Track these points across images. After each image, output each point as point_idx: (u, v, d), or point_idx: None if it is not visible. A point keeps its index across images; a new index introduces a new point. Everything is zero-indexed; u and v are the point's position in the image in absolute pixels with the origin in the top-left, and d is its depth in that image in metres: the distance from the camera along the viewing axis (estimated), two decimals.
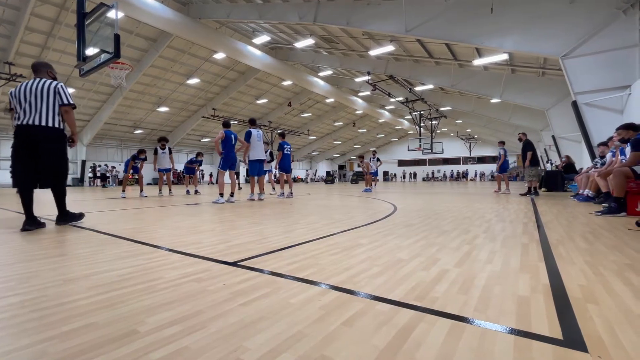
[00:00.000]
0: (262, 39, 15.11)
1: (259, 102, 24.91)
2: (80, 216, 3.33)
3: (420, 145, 24.08)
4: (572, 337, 0.93)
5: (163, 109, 22.32)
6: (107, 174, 21.71)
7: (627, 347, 0.88)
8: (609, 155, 5.78)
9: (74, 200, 7.01)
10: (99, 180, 21.74)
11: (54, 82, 3.03)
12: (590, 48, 7.59)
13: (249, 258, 1.87)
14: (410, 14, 9.91)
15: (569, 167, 10.11)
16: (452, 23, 9.44)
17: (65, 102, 3.00)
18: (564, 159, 10.78)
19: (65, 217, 3.18)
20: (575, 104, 8.00)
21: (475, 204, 5.69)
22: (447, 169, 42.22)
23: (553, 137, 13.45)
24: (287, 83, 22.12)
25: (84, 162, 23.36)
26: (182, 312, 1.11)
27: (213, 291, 1.32)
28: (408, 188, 14.25)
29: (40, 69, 3.14)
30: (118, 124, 23.49)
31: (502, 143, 9.26)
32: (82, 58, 4.60)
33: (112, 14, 4.48)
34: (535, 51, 8.65)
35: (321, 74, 21.77)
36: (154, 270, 1.64)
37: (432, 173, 43.05)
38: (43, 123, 2.88)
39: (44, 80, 3.01)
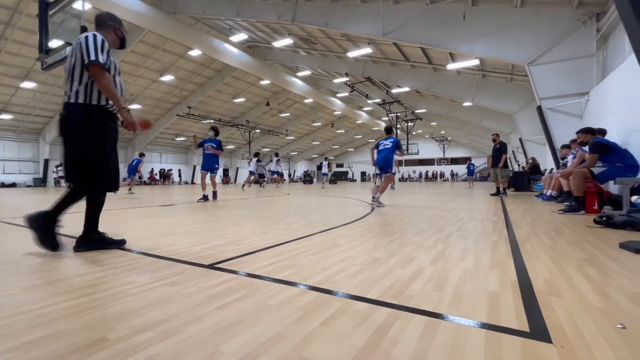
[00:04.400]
0: (240, 37, 14.85)
1: (236, 101, 24.48)
2: (120, 242, 2.21)
3: None
4: (538, 329, 0.99)
5: (135, 106, 21.40)
6: None
7: (586, 337, 0.94)
8: (570, 157, 6.17)
9: (35, 201, 6.57)
10: (63, 181, 20.51)
11: (84, 34, 2.02)
12: (553, 56, 8.05)
13: (225, 260, 1.83)
14: (387, 17, 10.09)
15: (534, 168, 10.70)
16: (426, 28, 9.71)
17: (86, 59, 1.92)
18: (529, 161, 11.39)
19: (90, 241, 2.09)
20: (539, 109, 8.46)
21: (448, 203, 5.89)
22: (422, 169, 43.41)
23: (520, 139, 14.17)
24: (265, 82, 21.87)
25: (46, 162, 21.98)
26: (154, 317, 1.07)
27: (187, 295, 1.29)
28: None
29: (105, 22, 2.19)
30: None
31: (469, 159, 13.94)
32: (45, 50, 4.32)
33: (78, 5, 4.25)
34: (504, 57, 9.07)
35: (300, 74, 21.71)
36: (124, 274, 1.57)
37: (408, 174, 44.09)
38: (66, 99, 2.02)
39: (83, 35, 2.02)
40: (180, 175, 29.58)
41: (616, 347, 0.88)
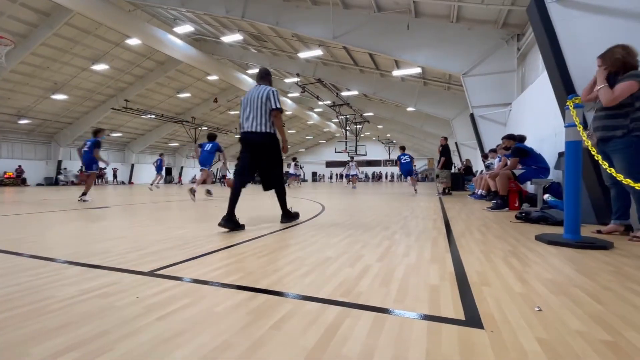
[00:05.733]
0: (185, 28, 13.99)
1: (181, 95, 23.03)
2: (296, 216, 3.57)
3: (346, 148, 25.33)
4: (472, 317, 1.08)
5: (60, 96, 18.93)
6: None
7: (511, 321, 1.05)
8: (496, 160, 6.91)
9: None
10: None
11: (268, 88, 3.10)
12: (483, 69, 8.98)
13: (167, 266, 1.70)
14: (337, 21, 10.33)
15: (467, 170, 11.81)
16: (374, 35, 10.16)
17: (274, 106, 3.03)
18: (464, 163, 12.54)
19: (287, 216, 3.39)
20: (472, 116, 9.37)
21: (393, 202, 6.21)
22: (370, 170, 45.31)
23: (456, 143, 15.53)
24: (212, 78, 20.90)
25: None
26: (80, 335, 0.95)
27: (122, 307, 1.17)
28: (335, 188, 14.82)
29: (265, 76, 3.30)
30: None
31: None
32: None
33: None
34: (442, 67, 9.86)
35: (250, 71, 21.13)
36: (43, 288, 1.37)
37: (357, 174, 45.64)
38: (263, 130, 3.03)
39: (262, 87, 3.12)
40: (115, 175, 26.84)
41: (534, 328, 1.00)
